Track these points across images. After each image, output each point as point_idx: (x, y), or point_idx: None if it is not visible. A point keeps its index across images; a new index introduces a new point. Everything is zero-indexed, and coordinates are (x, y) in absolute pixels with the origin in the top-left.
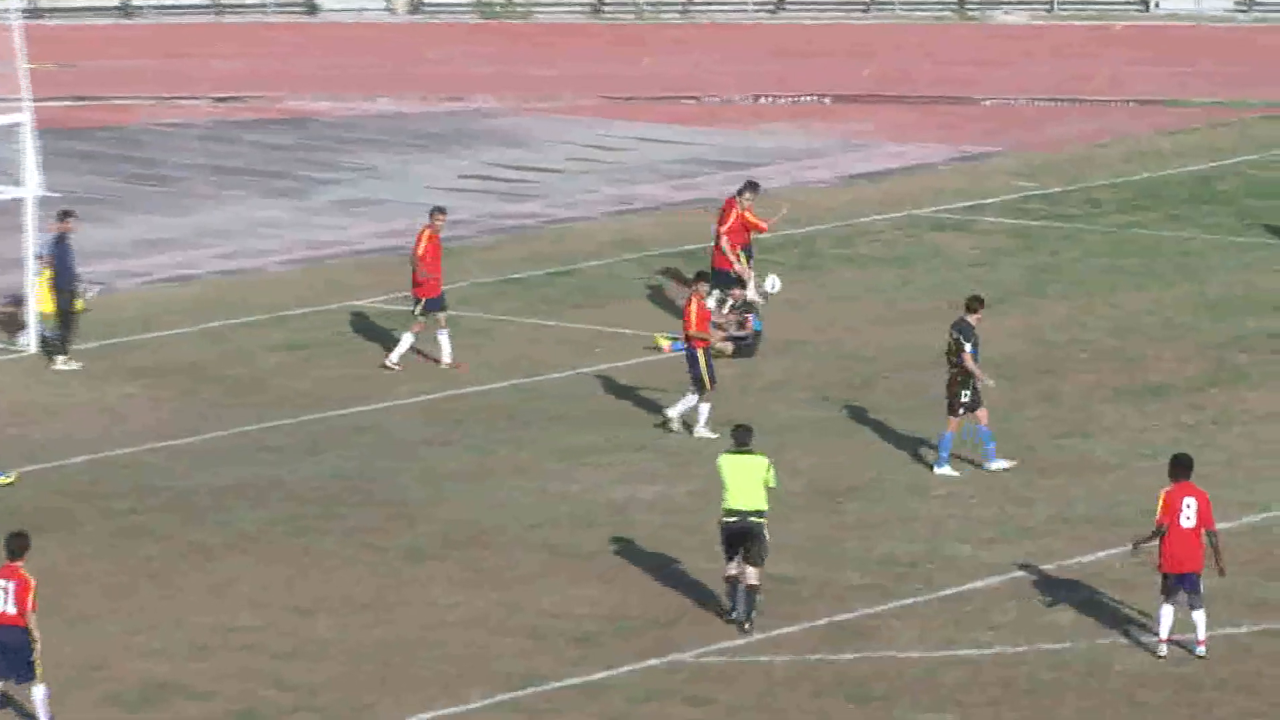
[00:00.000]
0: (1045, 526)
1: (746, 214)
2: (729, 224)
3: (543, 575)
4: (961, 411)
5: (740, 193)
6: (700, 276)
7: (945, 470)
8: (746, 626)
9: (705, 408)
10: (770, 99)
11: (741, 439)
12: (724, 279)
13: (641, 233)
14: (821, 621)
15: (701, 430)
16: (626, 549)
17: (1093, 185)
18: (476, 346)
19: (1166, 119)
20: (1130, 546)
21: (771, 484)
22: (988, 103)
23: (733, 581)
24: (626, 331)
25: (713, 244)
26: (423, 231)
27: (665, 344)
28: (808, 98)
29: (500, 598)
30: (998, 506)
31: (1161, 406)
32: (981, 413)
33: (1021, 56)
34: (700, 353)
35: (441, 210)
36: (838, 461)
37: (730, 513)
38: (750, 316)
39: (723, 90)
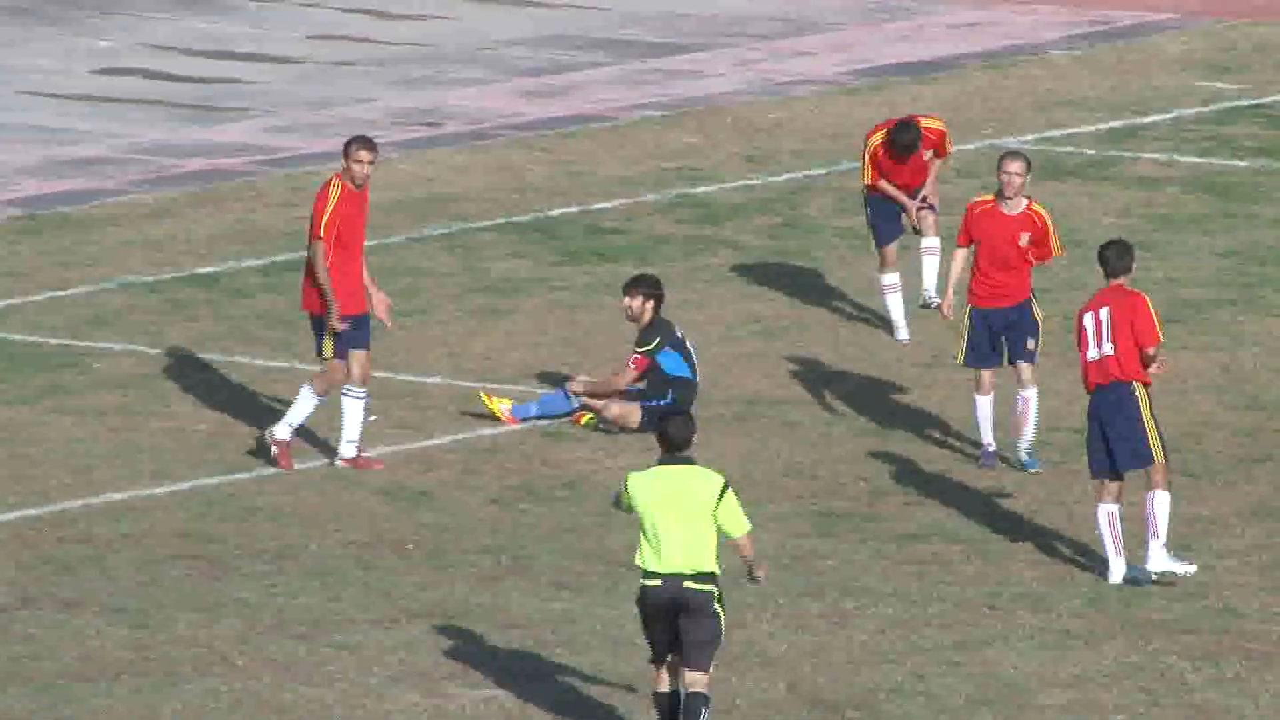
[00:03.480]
0: None
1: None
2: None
3: None
4: None
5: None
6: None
7: None
8: None
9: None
10: None
11: (677, 437)
12: None
13: (459, 183)
14: None
15: (1162, 559)
16: None
17: None
18: (126, 410)
19: None
20: None
21: (734, 527)
22: None
23: (664, 700)
24: (432, 380)
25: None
26: (327, 186)
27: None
28: None
29: None
30: None
31: None
32: None
33: None
34: (1142, 390)
35: (364, 144)
36: (842, 642)
37: (652, 575)
38: (655, 354)
39: None
